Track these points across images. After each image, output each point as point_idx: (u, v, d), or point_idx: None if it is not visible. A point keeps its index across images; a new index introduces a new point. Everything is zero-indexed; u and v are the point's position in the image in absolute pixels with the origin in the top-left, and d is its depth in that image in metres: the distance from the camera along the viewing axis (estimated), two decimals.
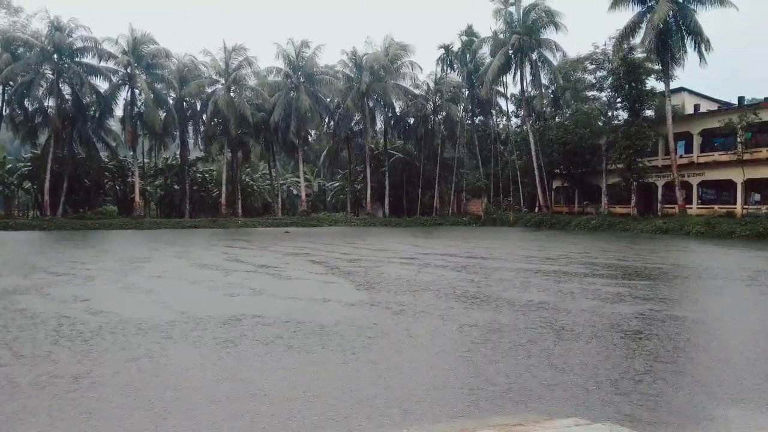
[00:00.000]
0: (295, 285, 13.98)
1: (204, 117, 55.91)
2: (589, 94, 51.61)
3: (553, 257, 20.68)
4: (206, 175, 65.37)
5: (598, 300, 11.20)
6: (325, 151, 67.31)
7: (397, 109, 59.09)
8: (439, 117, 59.61)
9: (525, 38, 48.87)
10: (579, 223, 43.76)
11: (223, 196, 55.51)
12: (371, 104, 56.52)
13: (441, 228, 47.82)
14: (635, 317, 9.56)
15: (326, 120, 59.90)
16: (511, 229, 44.43)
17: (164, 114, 53.87)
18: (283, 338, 8.13)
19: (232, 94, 53.22)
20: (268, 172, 63.39)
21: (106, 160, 58.69)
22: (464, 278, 14.83)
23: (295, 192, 69.39)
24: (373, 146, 61.60)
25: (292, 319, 9.42)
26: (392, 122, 59.79)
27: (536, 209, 52.50)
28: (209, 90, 54.85)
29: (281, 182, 67.35)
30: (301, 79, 54.19)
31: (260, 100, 54.95)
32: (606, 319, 9.36)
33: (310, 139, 64.12)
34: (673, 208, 41.55)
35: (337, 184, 72.87)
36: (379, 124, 60.40)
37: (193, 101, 56.23)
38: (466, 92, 59.52)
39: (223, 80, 54.00)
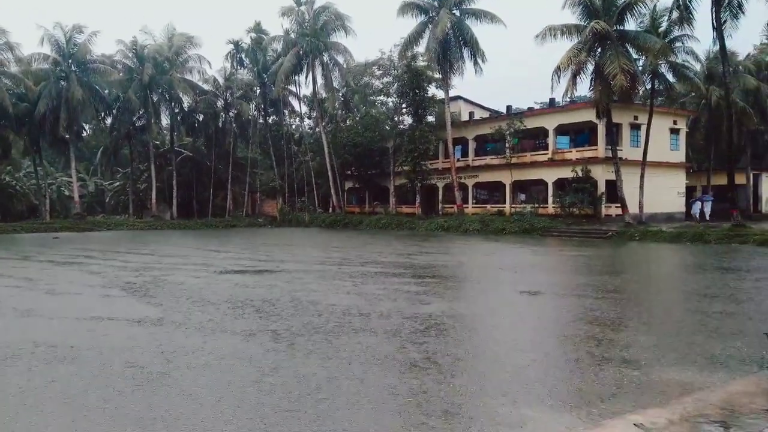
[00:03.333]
0: (65, 301, 12.17)
1: None
2: (377, 98, 53.66)
3: (350, 258, 20.85)
4: None
5: (400, 300, 11.31)
6: (102, 148, 61.33)
7: (185, 105, 55.83)
8: (231, 114, 57.58)
9: (316, 40, 49.18)
10: (370, 222, 45.20)
11: None
12: (155, 98, 52.63)
13: (235, 230, 46.23)
14: (428, 318, 9.75)
15: (103, 114, 54.50)
16: (307, 230, 44.45)
17: None
18: (39, 374, 6.82)
19: None
20: (33, 170, 55.88)
21: None
22: (264, 284, 14.16)
23: (67, 193, 62.13)
24: (158, 143, 57.54)
25: (47, 342, 8.03)
26: (180, 118, 56.31)
27: (330, 209, 53.26)
28: None
29: (50, 182, 59.83)
30: (73, 68, 48.56)
31: (23, 89, 48.25)
32: (402, 321, 9.39)
33: (84, 134, 57.86)
34: (453, 207, 44.70)
35: (117, 183, 66.72)
36: (165, 120, 56.58)
37: None
38: (258, 90, 58.31)
39: None
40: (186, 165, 58.33)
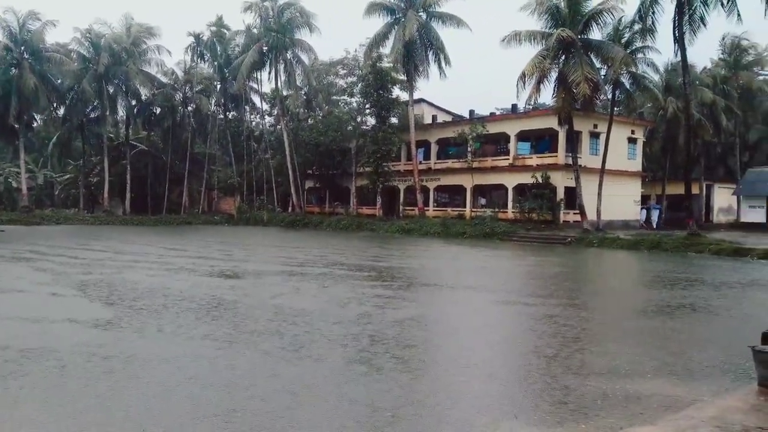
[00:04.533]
0: (10, 300, 11.44)
1: None
2: (341, 98, 53.20)
3: (313, 259, 20.42)
4: None
5: (368, 305, 10.98)
6: (54, 139, 59.06)
7: (142, 97, 54.18)
8: (189, 109, 56.19)
9: (280, 36, 48.40)
10: (330, 223, 44.69)
11: None
12: (111, 89, 50.95)
13: (191, 227, 45.05)
14: (397, 324, 9.47)
15: (56, 104, 52.50)
16: (265, 229, 43.64)
17: None
18: None
19: None
20: None
21: None
22: (225, 285, 13.64)
23: (14, 185, 59.60)
24: (112, 136, 55.76)
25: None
26: (136, 111, 54.62)
27: (290, 209, 52.51)
28: None
29: None
30: (25, 55, 46.61)
31: None
32: (372, 329, 9.08)
33: (35, 124, 55.70)
34: (414, 210, 44.57)
35: (67, 176, 64.37)
36: (121, 112, 54.81)
37: None
38: (218, 85, 57.10)
39: None
40: (141, 159, 56.65)
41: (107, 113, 51.04)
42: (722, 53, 46.89)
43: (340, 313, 10.06)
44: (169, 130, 55.11)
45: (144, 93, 53.61)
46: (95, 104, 51.74)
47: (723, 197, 47.71)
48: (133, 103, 53.79)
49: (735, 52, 45.69)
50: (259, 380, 6.33)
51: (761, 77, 49.47)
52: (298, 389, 6.06)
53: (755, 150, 51.90)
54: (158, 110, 55.86)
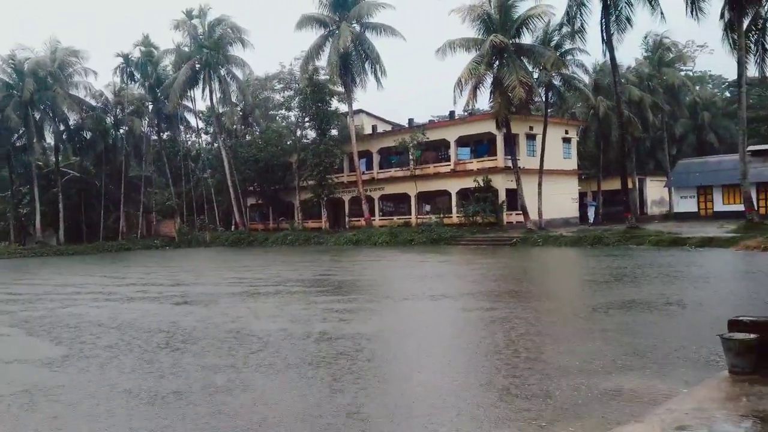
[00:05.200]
0: None
1: None
2: (278, 113, 52.72)
3: (265, 277, 20.01)
4: None
5: (331, 321, 10.79)
6: None
7: (71, 122, 52.19)
8: (122, 131, 54.51)
9: (213, 53, 47.61)
10: (276, 239, 44.08)
11: None
12: (38, 116, 48.86)
13: (131, 253, 43.56)
14: (367, 338, 9.35)
15: None
16: (209, 250, 42.64)
17: None
18: None
19: None
20: None
21: None
22: (176, 312, 13.15)
23: None
24: (41, 164, 53.45)
25: None
26: (65, 136, 52.60)
27: (233, 227, 51.52)
28: None
29: None
30: None
31: None
32: (339, 343, 8.93)
33: None
34: (360, 220, 44.52)
35: None
36: (49, 139, 52.62)
37: None
38: (151, 106, 55.60)
39: None
40: (73, 186, 54.52)
41: (35, 141, 48.90)
42: (646, 51, 49.07)
43: (303, 332, 9.84)
44: (102, 155, 53.33)
45: (73, 118, 51.69)
46: (21, 132, 49.52)
47: (655, 190, 49.71)
48: (62, 128, 51.78)
49: (658, 51, 47.83)
50: (229, 403, 6.09)
51: (683, 73, 52.05)
52: (269, 406, 5.85)
53: (682, 142, 54.37)
54: (89, 135, 53.95)
